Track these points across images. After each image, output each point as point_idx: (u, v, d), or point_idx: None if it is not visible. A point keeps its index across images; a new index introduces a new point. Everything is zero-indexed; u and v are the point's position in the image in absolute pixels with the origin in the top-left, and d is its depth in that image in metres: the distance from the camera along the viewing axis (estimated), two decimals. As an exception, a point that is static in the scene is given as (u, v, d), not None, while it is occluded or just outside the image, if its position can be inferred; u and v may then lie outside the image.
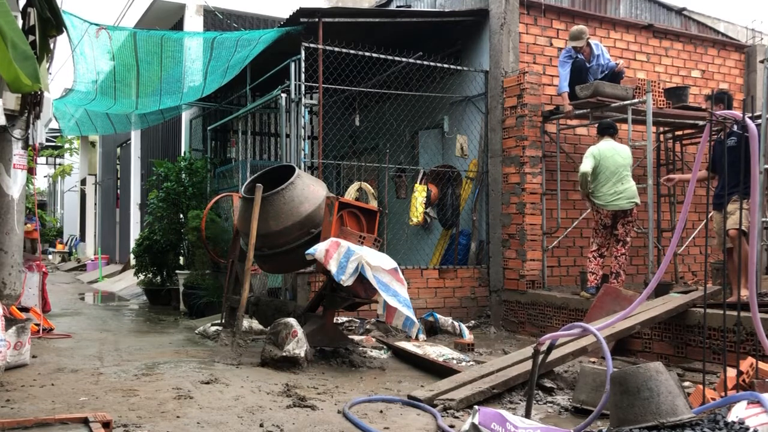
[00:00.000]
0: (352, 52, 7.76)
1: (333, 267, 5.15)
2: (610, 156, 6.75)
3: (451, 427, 3.72)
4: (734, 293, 5.52)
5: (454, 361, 5.62)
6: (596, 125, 7.30)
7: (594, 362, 5.31)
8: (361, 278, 5.16)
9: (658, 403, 2.89)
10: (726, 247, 5.75)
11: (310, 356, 5.27)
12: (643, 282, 7.57)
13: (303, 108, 7.55)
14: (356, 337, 6.37)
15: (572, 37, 7.44)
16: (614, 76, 7.54)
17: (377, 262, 5.20)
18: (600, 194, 6.77)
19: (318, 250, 5.24)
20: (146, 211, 11.88)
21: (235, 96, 10.61)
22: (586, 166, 6.77)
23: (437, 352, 5.89)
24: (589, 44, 7.55)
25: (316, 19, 7.50)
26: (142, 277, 10.69)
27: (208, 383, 4.56)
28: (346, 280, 5.13)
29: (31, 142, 5.50)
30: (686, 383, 4.71)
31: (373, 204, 8.54)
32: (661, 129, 8.41)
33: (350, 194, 8.94)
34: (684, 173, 8.56)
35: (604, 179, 6.75)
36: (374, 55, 7.92)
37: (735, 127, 5.79)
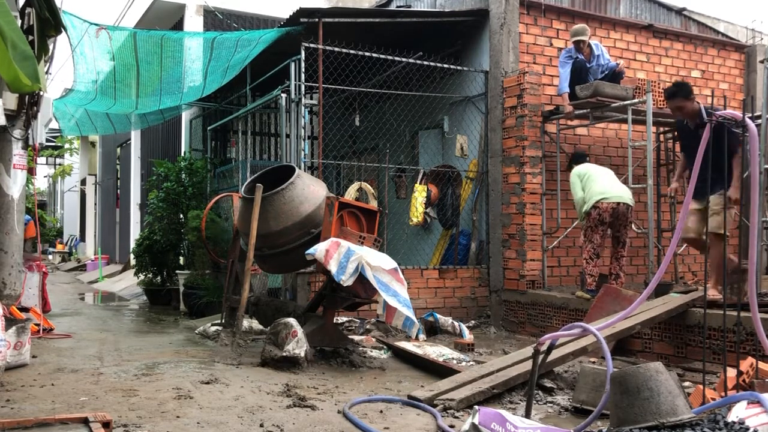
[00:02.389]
0: (352, 52, 7.77)
1: (333, 267, 5.15)
2: (591, 167, 6.87)
3: (451, 427, 3.72)
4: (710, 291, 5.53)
5: (454, 361, 5.62)
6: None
7: (594, 362, 5.31)
8: (361, 278, 5.16)
9: (658, 403, 2.89)
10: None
11: (310, 356, 5.27)
12: (643, 282, 7.57)
13: (303, 108, 7.55)
14: (356, 337, 6.37)
15: (575, 33, 7.44)
16: (614, 76, 7.54)
17: (377, 262, 5.20)
18: (601, 190, 6.64)
19: (318, 250, 5.24)
20: (146, 211, 11.88)
21: (235, 96, 10.61)
22: (576, 191, 6.85)
23: (437, 352, 5.89)
24: (589, 44, 7.55)
25: (316, 19, 7.51)
26: (142, 277, 10.69)
27: (208, 383, 4.56)
28: (346, 280, 5.13)
29: (31, 142, 5.50)
30: (686, 383, 4.71)
31: (373, 204, 8.54)
32: (661, 129, 8.41)
33: (350, 194, 8.93)
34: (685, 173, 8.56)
35: (597, 178, 6.72)
36: (374, 55, 7.92)
37: (705, 117, 5.63)
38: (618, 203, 6.63)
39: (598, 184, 6.71)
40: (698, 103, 5.84)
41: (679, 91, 5.77)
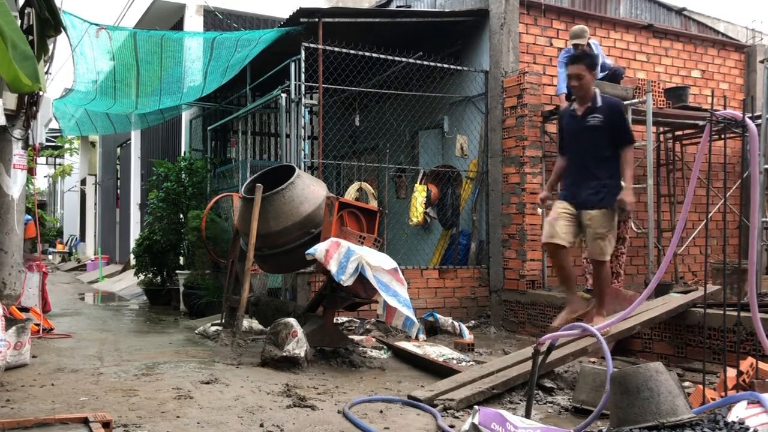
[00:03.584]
0: (352, 52, 7.76)
1: (333, 267, 5.15)
2: None
3: (451, 427, 3.72)
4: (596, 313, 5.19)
5: (454, 361, 5.61)
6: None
7: (594, 362, 5.30)
8: (361, 278, 5.16)
9: (658, 403, 2.89)
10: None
11: (310, 356, 5.27)
12: (643, 282, 7.57)
13: (303, 108, 7.55)
14: (356, 337, 6.37)
15: (574, 35, 7.43)
16: (614, 76, 7.54)
17: (377, 262, 5.20)
18: None
19: (318, 250, 5.24)
20: (146, 211, 11.88)
21: (235, 96, 10.62)
22: None
23: (437, 352, 5.89)
24: (588, 44, 7.55)
25: (316, 19, 7.51)
26: (142, 277, 10.69)
27: (208, 383, 4.56)
28: (346, 280, 5.13)
29: (31, 142, 5.50)
30: (686, 383, 4.71)
31: (373, 204, 8.54)
32: (661, 129, 8.42)
33: (350, 194, 8.93)
34: (686, 173, 8.57)
35: None
36: (374, 55, 7.92)
37: (599, 102, 5.01)
38: None
39: None
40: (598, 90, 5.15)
41: (586, 58, 5.16)
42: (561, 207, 5.14)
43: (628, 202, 4.90)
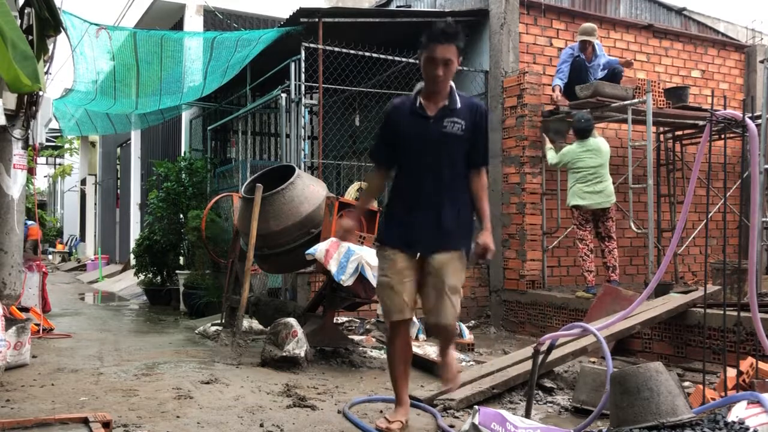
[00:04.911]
0: (352, 52, 7.77)
1: (333, 267, 5.15)
2: (585, 158, 6.83)
3: (451, 427, 3.72)
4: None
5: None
6: (594, 120, 7.30)
7: (594, 362, 5.30)
8: (361, 278, 5.17)
9: (658, 403, 2.89)
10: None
11: (310, 356, 5.27)
12: (643, 282, 7.57)
13: (303, 108, 7.55)
14: (356, 337, 6.36)
15: (584, 32, 7.45)
16: (614, 76, 7.55)
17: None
18: (580, 193, 6.80)
19: (318, 250, 5.24)
20: (146, 211, 11.88)
21: (235, 96, 10.61)
22: (551, 158, 7.20)
23: (437, 352, 5.88)
24: (593, 45, 7.57)
25: (316, 19, 7.51)
26: (142, 277, 10.69)
27: (208, 383, 4.56)
28: (346, 280, 5.13)
29: (31, 142, 5.50)
30: (686, 383, 4.71)
31: (373, 204, 8.53)
32: (661, 129, 8.42)
33: (350, 194, 8.92)
34: (686, 173, 8.57)
35: (581, 178, 6.79)
36: (374, 55, 7.92)
37: (458, 103, 3.59)
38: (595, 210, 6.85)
39: (582, 183, 6.82)
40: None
41: (459, 38, 3.64)
42: (400, 262, 3.49)
43: (491, 249, 3.39)
